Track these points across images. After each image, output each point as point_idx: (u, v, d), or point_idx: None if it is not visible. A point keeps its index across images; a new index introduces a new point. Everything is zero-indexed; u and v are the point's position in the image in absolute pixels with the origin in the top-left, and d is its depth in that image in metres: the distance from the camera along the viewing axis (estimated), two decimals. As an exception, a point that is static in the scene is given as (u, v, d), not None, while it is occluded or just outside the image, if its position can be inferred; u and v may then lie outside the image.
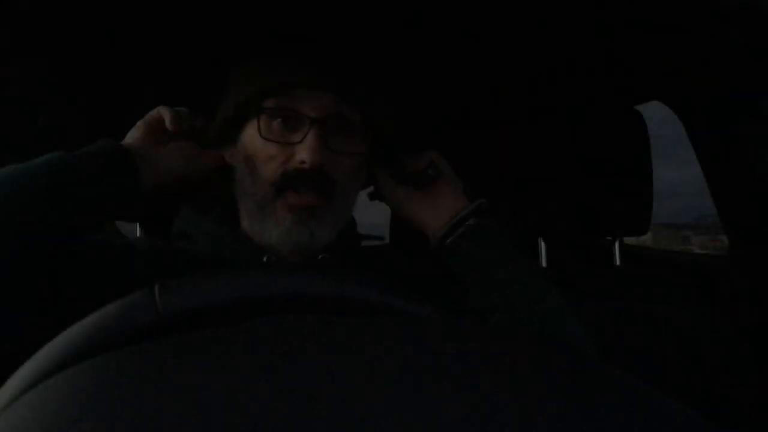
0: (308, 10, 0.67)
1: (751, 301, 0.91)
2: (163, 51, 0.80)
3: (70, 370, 0.26)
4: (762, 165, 0.84)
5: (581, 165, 0.95)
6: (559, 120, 1.00)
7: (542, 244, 1.02)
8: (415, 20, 0.73)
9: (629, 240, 1.05)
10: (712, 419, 0.22)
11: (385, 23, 0.74)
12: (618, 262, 0.99)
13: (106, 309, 0.32)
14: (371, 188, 0.72)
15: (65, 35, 0.75)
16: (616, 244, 1.00)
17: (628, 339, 0.86)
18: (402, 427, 0.20)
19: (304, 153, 0.57)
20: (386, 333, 0.28)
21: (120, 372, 0.26)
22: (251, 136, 0.60)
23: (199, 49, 0.79)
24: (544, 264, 1.01)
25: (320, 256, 0.61)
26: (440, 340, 0.28)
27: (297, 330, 0.28)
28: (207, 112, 0.66)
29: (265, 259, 0.60)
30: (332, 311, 0.32)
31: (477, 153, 1.15)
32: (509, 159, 1.12)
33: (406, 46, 0.81)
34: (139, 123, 0.63)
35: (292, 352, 0.25)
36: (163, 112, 0.62)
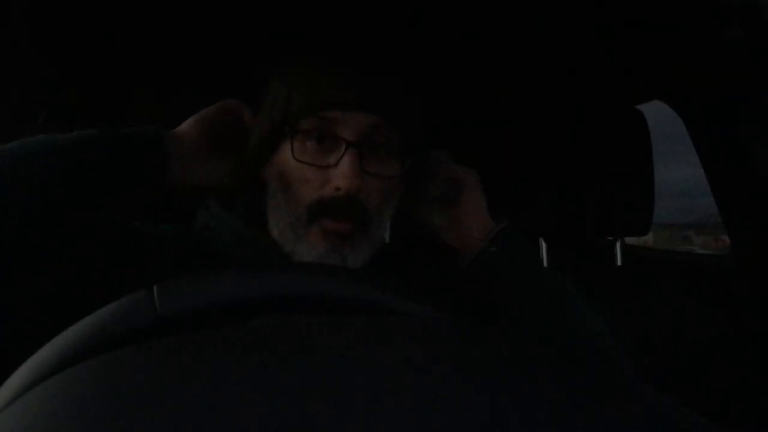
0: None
1: (752, 302, 0.91)
2: (167, 51, 0.80)
3: (69, 371, 0.26)
4: (764, 165, 0.83)
5: (582, 165, 0.95)
6: (560, 119, 1.00)
7: (543, 245, 1.02)
8: (417, 20, 0.73)
9: (630, 240, 1.05)
10: (713, 419, 0.22)
11: (389, 20, 0.73)
12: (619, 263, 0.99)
13: (105, 309, 0.32)
14: None
15: (74, 33, 0.75)
16: (618, 245, 1.00)
17: (629, 339, 0.86)
18: (404, 427, 0.20)
19: (340, 179, 0.55)
20: (388, 333, 0.28)
21: (119, 372, 0.26)
22: (285, 156, 0.59)
23: (204, 50, 0.79)
24: (544, 264, 1.01)
25: None
26: (444, 340, 0.28)
27: (297, 330, 0.28)
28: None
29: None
30: (333, 311, 0.32)
31: (477, 153, 1.15)
32: (510, 159, 1.12)
33: (409, 45, 0.81)
34: (198, 117, 0.61)
35: (293, 353, 0.25)
36: (237, 107, 0.61)
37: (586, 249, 1.13)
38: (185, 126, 0.62)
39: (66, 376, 0.25)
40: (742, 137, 0.86)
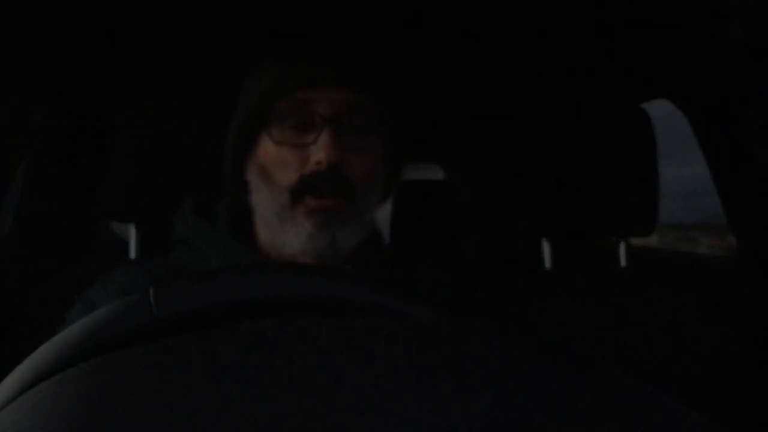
0: (310, 7, 0.67)
1: (758, 302, 0.90)
2: (167, 51, 0.80)
3: (65, 372, 0.26)
4: (770, 164, 0.83)
5: (586, 164, 0.94)
6: (564, 119, 0.99)
7: (546, 245, 1.02)
8: (417, 18, 0.73)
9: (635, 241, 1.04)
10: (717, 420, 0.22)
11: (388, 19, 0.73)
12: (623, 264, 0.99)
13: (101, 311, 0.32)
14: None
15: (73, 33, 0.75)
16: (622, 245, 0.99)
17: (633, 340, 0.85)
18: (401, 428, 0.20)
19: (319, 153, 0.55)
20: (384, 334, 0.28)
21: (115, 374, 0.26)
22: (265, 144, 0.59)
23: (203, 49, 0.79)
24: (548, 265, 1.01)
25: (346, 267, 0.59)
26: (439, 341, 0.28)
27: (293, 332, 0.28)
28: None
29: None
30: (329, 313, 0.32)
31: (481, 153, 1.15)
32: (513, 158, 1.12)
33: (410, 44, 0.81)
34: None
35: (289, 354, 0.25)
36: None
37: (590, 250, 1.13)
38: None
39: (63, 377, 0.25)
40: (748, 137, 0.86)
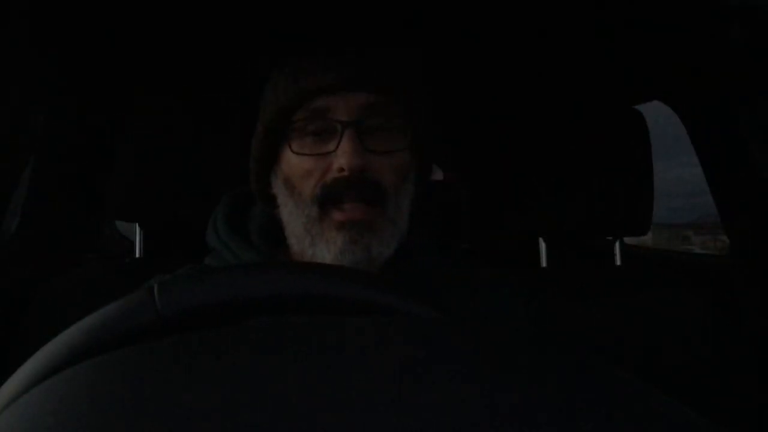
0: (309, 7, 0.66)
1: (751, 301, 0.91)
2: (170, 52, 0.80)
3: (69, 371, 0.26)
4: (763, 164, 0.84)
5: (582, 165, 0.94)
6: (560, 119, 1.00)
7: (542, 244, 1.02)
8: (417, 18, 0.73)
9: (630, 240, 1.05)
10: (712, 419, 0.22)
11: (387, 19, 0.73)
12: (618, 262, 0.99)
13: (105, 309, 0.32)
14: None
15: (74, 33, 0.74)
16: (617, 244, 1.00)
17: (628, 338, 0.86)
18: (401, 427, 0.20)
19: (341, 159, 0.52)
20: (388, 333, 0.28)
21: (119, 372, 0.26)
22: (287, 156, 0.57)
23: (205, 50, 0.78)
24: (544, 264, 1.01)
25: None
26: (441, 340, 0.28)
27: (297, 330, 0.28)
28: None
29: None
30: (333, 311, 0.32)
31: (477, 152, 1.15)
32: (510, 158, 1.12)
33: (409, 44, 0.81)
34: None
35: (292, 352, 0.25)
36: None
37: (586, 249, 1.14)
38: None
39: (66, 376, 0.25)
40: (741, 137, 0.86)
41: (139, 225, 0.90)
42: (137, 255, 0.89)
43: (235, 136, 0.82)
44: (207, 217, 0.63)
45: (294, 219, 0.56)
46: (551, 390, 0.23)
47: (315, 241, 0.55)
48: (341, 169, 0.53)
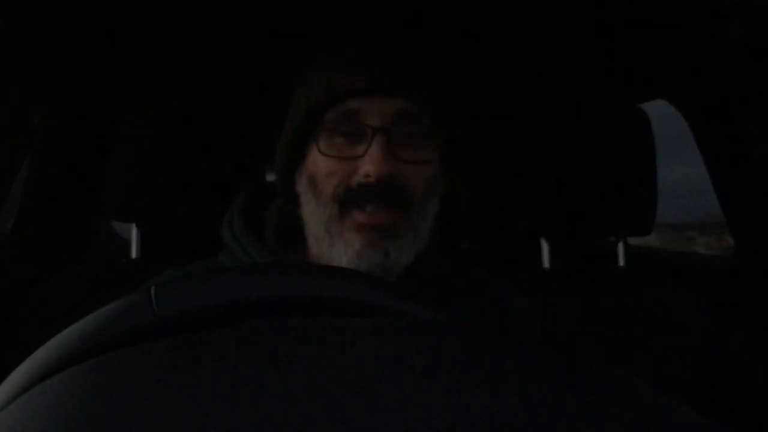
0: (308, 8, 0.66)
1: (756, 301, 0.91)
2: (169, 52, 0.80)
3: (66, 372, 0.26)
4: (767, 164, 0.83)
5: (585, 164, 0.94)
6: (563, 118, 1.00)
7: (545, 245, 1.02)
8: (416, 18, 0.73)
9: (633, 240, 1.04)
10: (715, 419, 0.22)
11: (386, 19, 0.73)
12: (622, 263, 0.99)
13: (103, 310, 0.32)
14: None
15: (74, 33, 0.74)
16: (620, 245, 0.99)
17: (632, 340, 0.85)
18: (401, 427, 0.20)
19: (368, 165, 0.52)
20: (387, 335, 0.28)
21: (116, 373, 0.26)
22: (313, 155, 0.56)
23: (204, 50, 0.78)
24: (546, 265, 1.01)
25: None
26: (441, 341, 0.28)
27: (295, 331, 0.28)
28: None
29: None
30: (331, 312, 0.32)
31: (479, 152, 1.15)
32: (512, 158, 1.12)
33: (408, 44, 0.81)
34: None
35: (290, 354, 0.25)
36: None
37: (589, 249, 1.13)
38: None
39: (65, 376, 0.25)
40: (746, 137, 0.86)
41: (136, 225, 0.90)
42: (133, 255, 0.89)
43: (235, 136, 0.82)
44: (205, 218, 0.62)
45: (315, 218, 0.56)
46: (552, 391, 0.23)
47: (333, 242, 0.54)
48: (368, 176, 0.53)
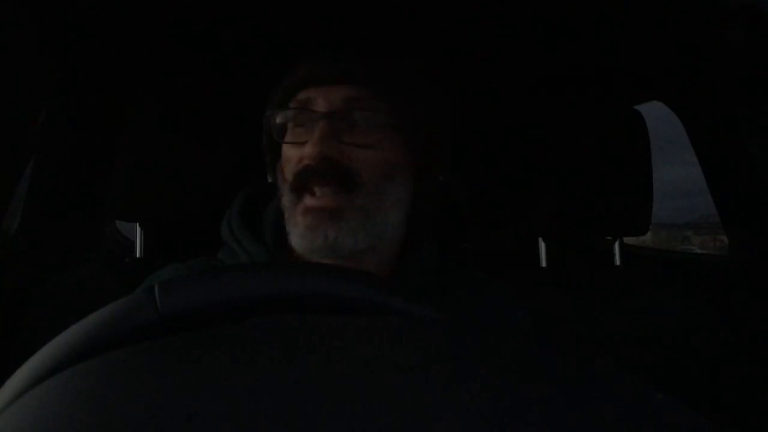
0: (307, 8, 0.67)
1: (751, 300, 0.91)
2: (171, 53, 0.80)
3: (69, 370, 0.26)
4: (762, 164, 0.84)
5: (581, 165, 0.95)
6: (559, 119, 1.00)
7: (542, 244, 1.02)
8: (416, 18, 0.73)
9: (629, 240, 1.05)
10: (711, 418, 0.23)
11: (386, 19, 0.73)
12: (618, 262, 0.99)
13: (106, 309, 0.32)
14: None
15: (74, 33, 0.74)
16: (616, 244, 1.00)
17: (628, 338, 0.86)
18: (401, 427, 0.20)
19: (308, 148, 0.54)
20: (388, 334, 0.28)
21: (120, 372, 0.26)
22: (283, 147, 0.59)
23: (206, 51, 0.78)
24: (543, 264, 1.01)
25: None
26: (440, 340, 0.28)
27: (298, 330, 0.28)
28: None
29: None
30: (333, 311, 0.32)
31: (477, 153, 1.15)
32: (510, 159, 1.12)
33: (408, 44, 0.81)
34: None
35: (293, 352, 0.25)
36: None
37: (585, 249, 1.14)
38: None
39: (67, 375, 0.25)
40: (740, 137, 0.86)
41: (139, 225, 0.90)
42: (138, 255, 0.89)
43: (235, 137, 0.83)
44: (207, 217, 0.63)
45: (284, 205, 0.58)
46: (549, 390, 0.23)
47: (290, 228, 0.56)
48: (310, 157, 0.54)
